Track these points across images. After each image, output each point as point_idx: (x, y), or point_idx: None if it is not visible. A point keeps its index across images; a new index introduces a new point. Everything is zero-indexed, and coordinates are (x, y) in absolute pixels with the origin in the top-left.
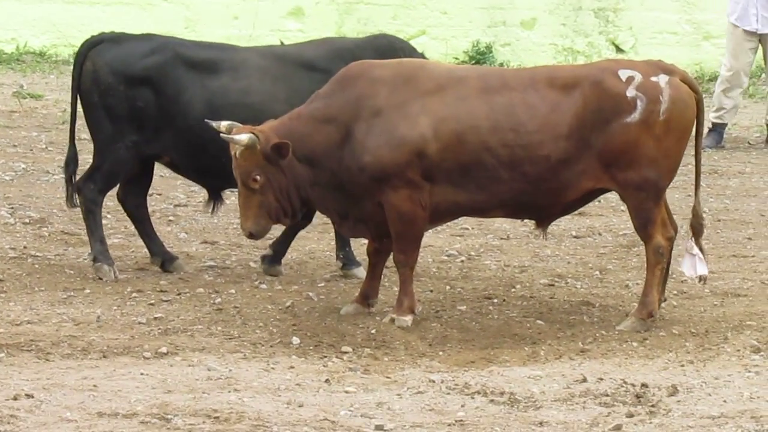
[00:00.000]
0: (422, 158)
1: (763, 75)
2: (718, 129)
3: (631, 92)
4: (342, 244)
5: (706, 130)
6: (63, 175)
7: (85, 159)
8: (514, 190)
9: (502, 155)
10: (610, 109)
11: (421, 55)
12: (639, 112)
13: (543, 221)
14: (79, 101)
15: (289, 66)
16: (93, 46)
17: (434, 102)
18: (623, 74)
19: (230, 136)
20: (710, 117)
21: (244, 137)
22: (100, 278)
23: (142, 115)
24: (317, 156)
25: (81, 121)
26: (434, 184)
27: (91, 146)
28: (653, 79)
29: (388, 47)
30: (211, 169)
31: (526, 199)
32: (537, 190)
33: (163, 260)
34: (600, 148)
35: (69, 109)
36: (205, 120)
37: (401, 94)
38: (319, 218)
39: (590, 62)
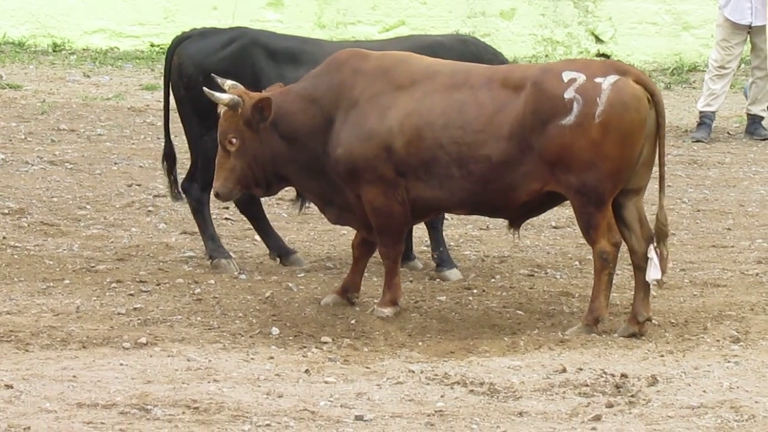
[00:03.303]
0: (390, 153)
1: (743, 66)
2: (705, 120)
3: (569, 94)
4: (436, 244)
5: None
6: (39, 166)
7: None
8: (466, 190)
9: (452, 152)
10: (547, 111)
11: (505, 60)
12: (575, 115)
13: (511, 221)
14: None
15: None
16: (181, 41)
17: (404, 96)
18: (566, 76)
19: (211, 92)
20: (698, 106)
21: (225, 97)
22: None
23: None
24: (300, 135)
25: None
26: (407, 179)
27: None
28: (597, 80)
29: (473, 51)
30: None
31: (478, 199)
32: (485, 190)
33: (211, 256)
34: (540, 150)
35: (47, 100)
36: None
37: (376, 87)
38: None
39: (544, 63)
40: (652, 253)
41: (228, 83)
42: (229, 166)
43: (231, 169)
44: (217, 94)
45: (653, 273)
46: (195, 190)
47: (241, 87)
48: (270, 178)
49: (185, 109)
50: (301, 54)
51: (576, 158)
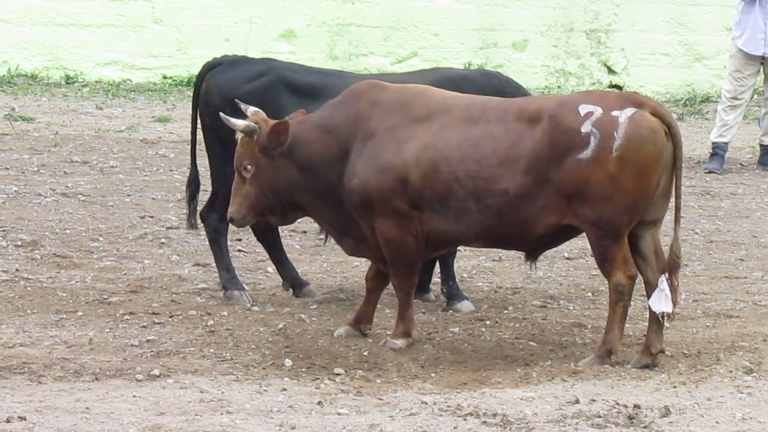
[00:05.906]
0: (406, 185)
1: (756, 96)
2: (718, 152)
3: (586, 128)
4: (446, 278)
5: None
6: (51, 198)
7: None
8: (482, 223)
9: (468, 186)
10: (564, 145)
11: (527, 94)
12: (591, 149)
13: (528, 254)
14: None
15: None
16: (212, 68)
17: (421, 129)
18: (583, 109)
19: (227, 118)
20: (711, 137)
21: (240, 123)
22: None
23: None
24: (315, 165)
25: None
26: (423, 212)
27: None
28: (613, 113)
29: (495, 84)
30: None
31: (495, 232)
32: (502, 224)
33: (224, 286)
34: (557, 183)
35: (60, 132)
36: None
37: (394, 119)
38: (311, 240)
39: (560, 95)
40: (664, 285)
41: (251, 110)
42: (244, 192)
43: (245, 196)
44: (233, 120)
45: (664, 305)
46: (213, 219)
47: (262, 114)
48: (285, 206)
49: (209, 137)
50: (324, 89)
51: (593, 192)
